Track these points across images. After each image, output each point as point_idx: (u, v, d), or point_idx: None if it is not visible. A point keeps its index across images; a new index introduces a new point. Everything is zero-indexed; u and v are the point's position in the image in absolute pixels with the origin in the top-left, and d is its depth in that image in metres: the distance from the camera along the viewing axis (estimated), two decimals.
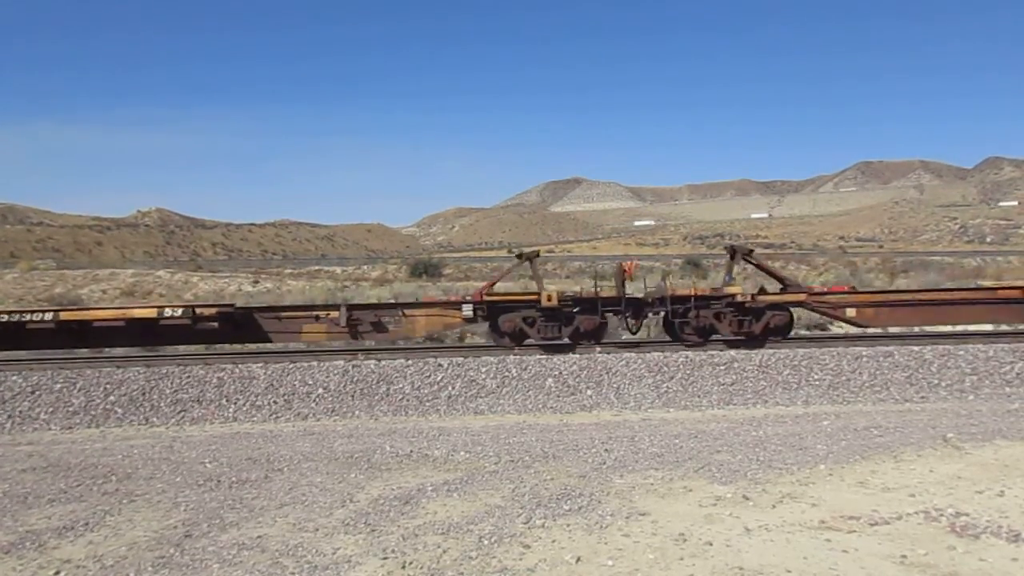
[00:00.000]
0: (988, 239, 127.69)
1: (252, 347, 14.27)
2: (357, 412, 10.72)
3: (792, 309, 13.37)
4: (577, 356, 11.91)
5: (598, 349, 12.56)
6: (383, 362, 11.67)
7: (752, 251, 14.15)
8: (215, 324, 12.80)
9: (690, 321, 12.99)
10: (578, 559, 4.60)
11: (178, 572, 4.66)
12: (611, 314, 13.26)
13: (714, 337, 13.09)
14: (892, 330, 15.20)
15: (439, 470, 7.07)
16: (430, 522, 5.43)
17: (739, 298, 12.90)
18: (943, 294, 13.80)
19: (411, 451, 7.90)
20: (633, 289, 13.99)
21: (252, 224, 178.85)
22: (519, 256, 13.93)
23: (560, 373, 11.37)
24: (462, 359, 11.76)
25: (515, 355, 12.00)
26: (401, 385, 11.15)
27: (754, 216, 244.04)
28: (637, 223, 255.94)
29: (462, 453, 7.72)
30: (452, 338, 17.26)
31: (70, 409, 10.67)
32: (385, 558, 4.73)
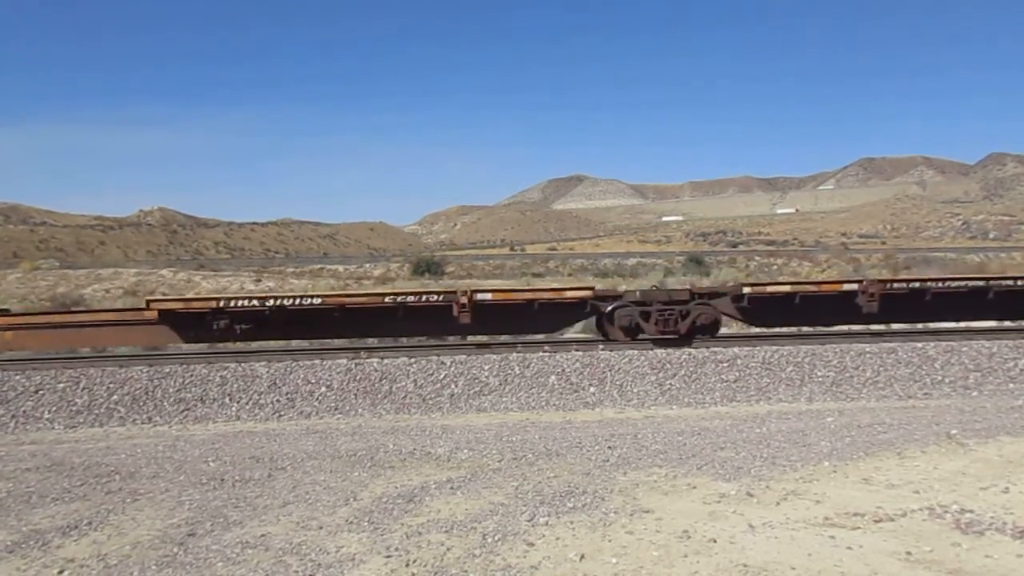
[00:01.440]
0: (991, 235, 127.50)
1: (255, 345, 14.25)
2: (360, 410, 10.72)
3: None
4: (580, 354, 11.90)
5: (600, 346, 12.51)
6: (386, 360, 11.67)
7: None
8: None
9: None
10: (582, 556, 4.59)
11: (182, 571, 4.66)
12: None
13: None
14: (895, 327, 15.05)
15: (442, 468, 7.07)
16: (434, 520, 5.42)
17: None
18: (72, 316, 13.07)
19: (414, 449, 7.89)
20: None
21: (255, 223, 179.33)
22: None
23: (563, 371, 11.36)
24: (465, 357, 11.75)
25: (517, 353, 11.98)
26: (404, 383, 11.14)
27: (780, 211, 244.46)
28: (665, 219, 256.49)
29: (465, 451, 7.71)
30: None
31: (73, 408, 10.68)
32: (389, 556, 4.73)
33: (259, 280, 43.33)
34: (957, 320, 13.89)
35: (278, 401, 10.86)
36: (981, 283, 12.84)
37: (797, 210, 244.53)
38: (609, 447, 7.68)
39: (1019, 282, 12.82)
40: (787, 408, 10.27)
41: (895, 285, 12.92)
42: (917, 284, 12.90)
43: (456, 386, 11.13)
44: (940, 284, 12.77)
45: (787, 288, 12.93)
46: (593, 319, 13.44)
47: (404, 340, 14.90)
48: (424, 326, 13.10)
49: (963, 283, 12.90)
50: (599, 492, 5.96)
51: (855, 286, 12.68)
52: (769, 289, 12.84)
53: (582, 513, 5.43)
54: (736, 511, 5.40)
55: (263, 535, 5.24)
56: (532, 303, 12.73)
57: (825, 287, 13.11)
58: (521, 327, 13.36)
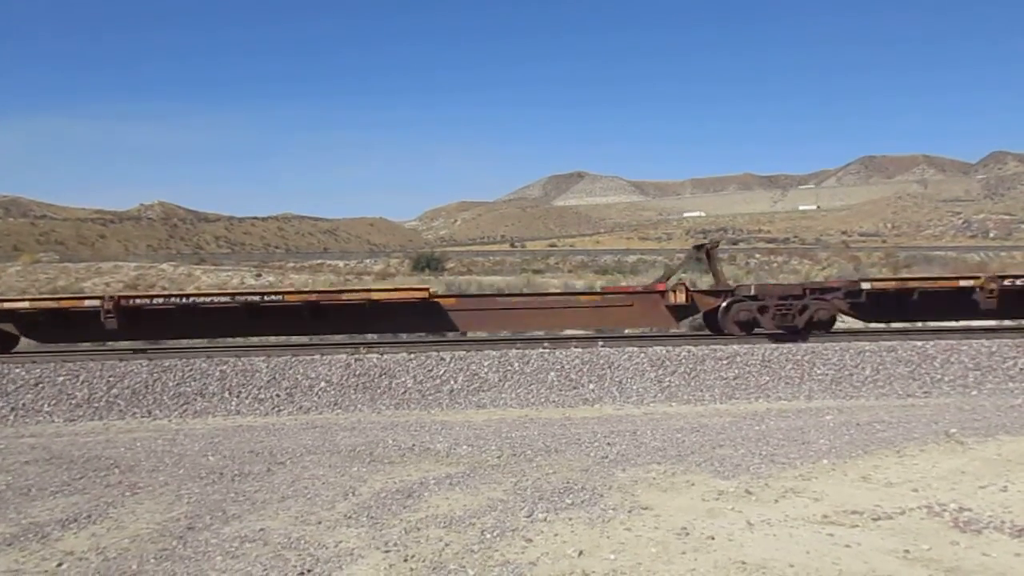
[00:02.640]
0: (991, 234, 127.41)
1: (255, 340, 14.26)
2: (359, 406, 10.73)
3: None
4: (580, 350, 11.89)
5: (600, 343, 12.53)
6: (385, 356, 11.67)
7: None
8: None
9: None
10: (580, 553, 4.60)
11: (181, 564, 4.66)
12: None
13: None
14: (895, 324, 15.08)
15: (441, 464, 7.08)
16: (432, 515, 5.43)
17: None
18: None
19: (413, 445, 7.90)
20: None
21: (255, 218, 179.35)
22: None
23: (562, 367, 11.36)
24: (464, 352, 11.75)
25: (517, 349, 11.97)
26: (403, 379, 11.15)
27: (801, 208, 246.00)
28: (686, 214, 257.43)
29: (464, 447, 7.72)
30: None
31: (73, 402, 10.69)
32: (387, 551, 4.73)
33: (259, 275, 43.31)
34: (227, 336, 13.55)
35: (277, 396, 10.87)
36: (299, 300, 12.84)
37: (819, 207, 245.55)
38: (608, 444, 7.68)
39: (355, 296, 12.87)
40: (786, 406, 10.27)
41: (138, 300, 12.61)
42: (160, 300, 12.72)
43: (455, 382, 11.13)
44: (209, 300, 12.65)
45: (38, 304, 12.65)
46: None
47: (404, 336, 14.93)
48: None
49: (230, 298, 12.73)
50: (598, 489, 5.97)
51: (97, 303, 12.32)
52: (17, 304, 12.62)
53: (581, 509, 5.44)
54: (735, 508, 5.40)
55: (262, 529, 5.25)
56: None
57: (64, 303, 12.65)
58: None
